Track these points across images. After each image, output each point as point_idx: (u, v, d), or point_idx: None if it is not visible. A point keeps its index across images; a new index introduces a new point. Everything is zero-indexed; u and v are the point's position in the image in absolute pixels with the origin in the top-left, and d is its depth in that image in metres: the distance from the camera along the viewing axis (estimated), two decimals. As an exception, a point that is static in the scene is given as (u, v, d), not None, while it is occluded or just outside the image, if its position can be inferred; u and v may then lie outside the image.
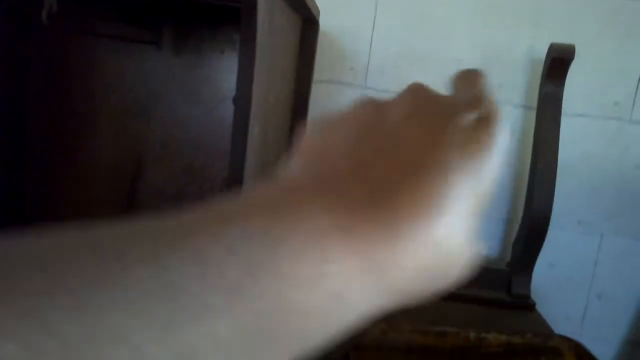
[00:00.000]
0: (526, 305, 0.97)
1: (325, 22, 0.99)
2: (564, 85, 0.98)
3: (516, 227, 1.05)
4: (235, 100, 0.51)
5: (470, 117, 0.23)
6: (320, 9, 0.93)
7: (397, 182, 0.20)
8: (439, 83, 1.03)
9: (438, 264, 0.20)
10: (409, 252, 0.19)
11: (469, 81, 0.27)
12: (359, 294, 0.18)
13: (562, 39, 0.98)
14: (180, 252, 0.15)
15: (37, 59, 0.87)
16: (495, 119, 0.23)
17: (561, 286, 1.12)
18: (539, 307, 0.98)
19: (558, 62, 0.96)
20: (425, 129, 0.22)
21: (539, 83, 1.02)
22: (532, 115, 1.03)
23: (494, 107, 0.24)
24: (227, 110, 0.92)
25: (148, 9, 0.90)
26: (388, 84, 1.07)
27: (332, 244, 0.18)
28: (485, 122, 0.23)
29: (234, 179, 0.54)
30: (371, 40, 1.06)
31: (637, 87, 1.05)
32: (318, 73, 1.03)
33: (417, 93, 0.24)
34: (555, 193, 0.96)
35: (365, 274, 0.18)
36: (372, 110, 0.24)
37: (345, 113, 0.24)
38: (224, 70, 0.94)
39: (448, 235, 0.20)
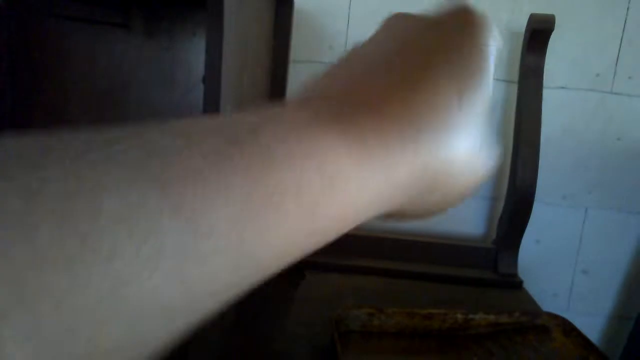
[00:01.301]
0: (513, 283, 0.97)
1: (301, 1, 0.96)
2: (545, 57, 0.96)
3: (501, 205, 1.04)
4: (204, 79, 0.49)
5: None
6: (294, -14, 0.90)
7: (408, 91, 0.20)
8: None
9: (446, 171, 0.21)
10: (414, 152, 0.20)
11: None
12: (356, 183, 0.18)
13: (541, 9, 0.97)
14: (171, 133, 0.14)
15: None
16: (483, 27, 0.25)
17: (547, 262, 1.11)
18: (526, 285, 0.98)
19: (538, 33, 0.94)
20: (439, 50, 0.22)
21: (519, 57, 1.00)
22: (514, 89, 1.02)
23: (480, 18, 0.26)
24: (202, 93, 0.89)
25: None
26: (367, 62, 1.04)
27: (328, 132, 0.18)
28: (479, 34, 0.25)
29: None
30: (348, 18, 1.03)
31: (618, 57, 1.03)
32: (296, 53, 1.00)
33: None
34: (539, 168, 0.95)
35: (363, 164, 0.18)
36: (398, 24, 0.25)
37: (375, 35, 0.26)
38: (197, 53, 0.91)
39: (458, 144, 0.21)
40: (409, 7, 1.03)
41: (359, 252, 0.99)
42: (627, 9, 1.01)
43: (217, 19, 0.54)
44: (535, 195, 0.95)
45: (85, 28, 0.83)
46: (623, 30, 1.02)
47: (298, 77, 1.03)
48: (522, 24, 0.98)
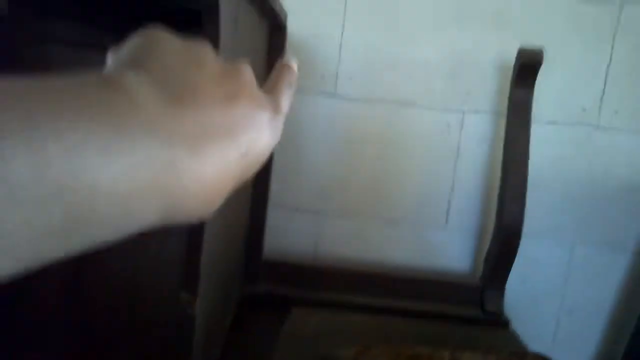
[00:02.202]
0: (499, 322, 0.95)
1: (294, 28, 0.95)
2: (533, 91, 0.96)
3: (488, 240, 1.03)
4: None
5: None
6: (287, 14, 0.90)
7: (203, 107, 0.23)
8: (408, 88, 1.00)
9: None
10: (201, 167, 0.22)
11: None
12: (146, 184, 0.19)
13: (530, 42, 0.97)
14: None
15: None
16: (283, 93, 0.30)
17: (533, 301, 1.10)
18: (512, 323, 0.96)
19: (527, 67, 0.94)
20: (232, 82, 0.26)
21: (508, 89, 1.00)
22: (502, 123, 1.02)
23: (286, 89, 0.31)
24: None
25: (107, 11, 0.84)
26: (358, 91, 1.03)
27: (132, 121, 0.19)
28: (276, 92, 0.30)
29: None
30: (340, 47, 1.03)
31: (603, 92, 1.05)
32: (285, 80, 0.99)
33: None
34: (526, 203, 0.95)
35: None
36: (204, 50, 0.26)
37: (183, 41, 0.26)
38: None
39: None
40: (394, 38, 1.04)
41: (345, 288, 0.97)
42: (612, 46, 1.03)
43: (213, 44, 0.52)
44: (523, 231, 0.94)
45: (78, 51, 0.81)
46: (608, 66, 1.04)
47: (291, 104, 1.01)
48: (510, 57, 0.99)
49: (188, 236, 0.55)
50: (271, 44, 0.89)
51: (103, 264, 0.90)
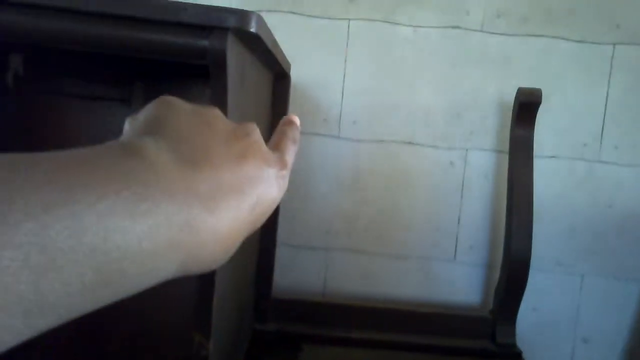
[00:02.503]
0: (512, 354, 0.95)
1: (297, 75, 1.00)
2: (533, 128, 0.99)
3: (497, 273, 1.04)
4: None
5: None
6: (290, 62, 0.94)
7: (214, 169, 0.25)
8: (411, 129, 1.04)
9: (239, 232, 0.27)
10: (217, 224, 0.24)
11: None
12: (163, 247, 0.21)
13: (529, 82, 1.01)
14: None
15: (5, 122, 0.85)
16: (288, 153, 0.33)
17: (546, 331, 1.10)
18: (524, 355, 0.96)
19: (526, 106, 0.97)
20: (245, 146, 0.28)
21: (509, 126, 1.03)
22: (505, 158, 1.04)
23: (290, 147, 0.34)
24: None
25: (116, 67, 0.89)
26: (361, 134, 1.07)
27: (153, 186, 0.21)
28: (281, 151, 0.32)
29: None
30: (342, 92, 1.07)
31: (603, 127, 1.07)
32: (291, 125, 1.02)
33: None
34: (533, 235, 0.96)
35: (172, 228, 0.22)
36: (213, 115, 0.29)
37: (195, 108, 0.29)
38: (196, 126, 0.93)
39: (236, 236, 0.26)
40: (395, 83, 1.08)
41: (355, 324, 0.98)
42: (608, 82, 1.06)
43: (221, 96, 0.56)
44: (531, 263, 0.95)
45: (87, 103, 0.86)
46: (606, 103, 1.07)
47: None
48: (510, 96, 1.02)
49: (199, 277, 0.57)
50: (276, 92, 0.93)
51: (113, 307, 0.92)
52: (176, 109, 0.28)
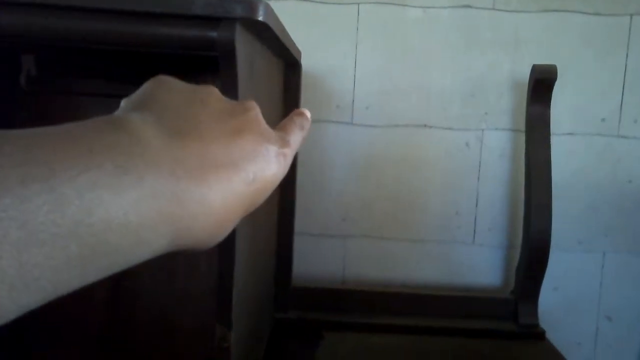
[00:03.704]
0: (535, 334, 0.95)
1: (308, 63, 0.99)
2: (549, 105, 0.98)
3: (517, 253, 1.03)
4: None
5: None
6: (301, 50, 0.93)
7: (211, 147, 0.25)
8: (425, 112, 1.03)
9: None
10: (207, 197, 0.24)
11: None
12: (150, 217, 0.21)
13: (543, 59, 0.99)
14: None
15: (20, 123, 0.85)
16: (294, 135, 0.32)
17: (568, 310, 1.09)
18: (548, 335, 0.96)
19: (541, 83, 0.96)
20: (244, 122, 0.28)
21: (524, 105, 1.02)
22: (522, 138, 1.03)
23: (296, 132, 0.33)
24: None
25: (127, 64, 0.90)
26: (374, 119, 1.06)
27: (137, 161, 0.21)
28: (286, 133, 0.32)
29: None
30: (354, 78, 1.06)
31: (622, 101, 1.05)
32: (304, 113, 1.02)
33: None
34: (553, 214, 0.95)
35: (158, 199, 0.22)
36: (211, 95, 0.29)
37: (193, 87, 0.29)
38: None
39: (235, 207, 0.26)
40: (408, 66, 1.06)
41: (376, 310, 0.98)
42: (627, 55, 1.04)
43: (231, 87, 0.56)
44: (551, 242, 0.94)
45: (101, 102, 0.86)
46: (624, 76, 1.04)
47: (309, 136, 1.05)
48: (524, 74, 1.00)
49: (219, 269, 0.58)
50: (287, 81, 0.93)
51: (134, 299, 0.93)
52: (169, 86, 0.28)
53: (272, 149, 0.29)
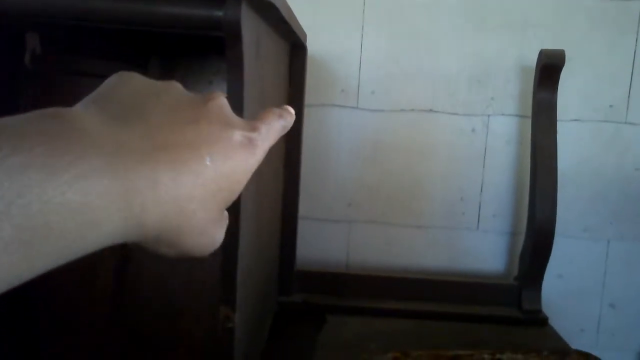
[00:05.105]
0: (538, 320, 0.95)
1: (313, 46, 0.98)
2: (557, 91, 0.97)
3: (521, 240, 1.03)
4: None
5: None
6: (307, 33, 0.93)
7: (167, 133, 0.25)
8: (431, 97, 1.02)
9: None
10: (167, 190, 0.23)
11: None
12: (108, 208, 0.21)
13: (551, 44, 0.98)
14: None
15: (25, 102, 0.85)
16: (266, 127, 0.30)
17: (572, 297, 1.09)
18: (551, 321, 0.96)
19: (549, 68, 0.95)
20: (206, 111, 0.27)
21: (531, 91, 1.01)
22: (528, 123, 1.02)
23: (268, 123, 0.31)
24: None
25: (132, 44, 0.89)
26: (380, 104, 1.05)
27: (95, 160, 0.21)
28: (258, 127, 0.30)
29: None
30: (360, 62, 1.05)
31: (630, 88, 1.04)
32: (310, 97, 1.02)
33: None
34: (558, 201, 0.95)
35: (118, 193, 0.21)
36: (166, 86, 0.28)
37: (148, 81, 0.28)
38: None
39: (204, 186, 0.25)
40: (414, 50, 1.05)
41: (379, 294, 0.98)
42: (636, 40, 1.02)
43: (236, 67, 0.55)
44: (555, 229, 0.94)
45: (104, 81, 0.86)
46: (633, 62, 1.03)
47: (313, 120, 1.05)
48: (532, 59, 0.99)
49: (223, 250, 0.58)
50: (292, 63, 0.92)
51: (140, 283, 0.94)
52: (125, 80, 0.27)
53: (235, 134, 0.27)
